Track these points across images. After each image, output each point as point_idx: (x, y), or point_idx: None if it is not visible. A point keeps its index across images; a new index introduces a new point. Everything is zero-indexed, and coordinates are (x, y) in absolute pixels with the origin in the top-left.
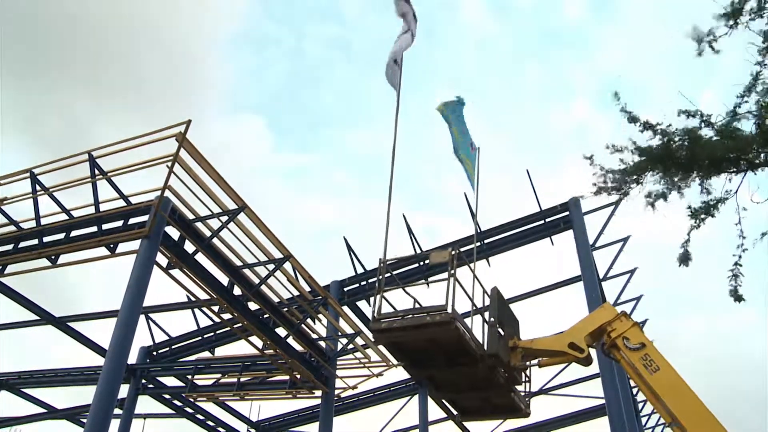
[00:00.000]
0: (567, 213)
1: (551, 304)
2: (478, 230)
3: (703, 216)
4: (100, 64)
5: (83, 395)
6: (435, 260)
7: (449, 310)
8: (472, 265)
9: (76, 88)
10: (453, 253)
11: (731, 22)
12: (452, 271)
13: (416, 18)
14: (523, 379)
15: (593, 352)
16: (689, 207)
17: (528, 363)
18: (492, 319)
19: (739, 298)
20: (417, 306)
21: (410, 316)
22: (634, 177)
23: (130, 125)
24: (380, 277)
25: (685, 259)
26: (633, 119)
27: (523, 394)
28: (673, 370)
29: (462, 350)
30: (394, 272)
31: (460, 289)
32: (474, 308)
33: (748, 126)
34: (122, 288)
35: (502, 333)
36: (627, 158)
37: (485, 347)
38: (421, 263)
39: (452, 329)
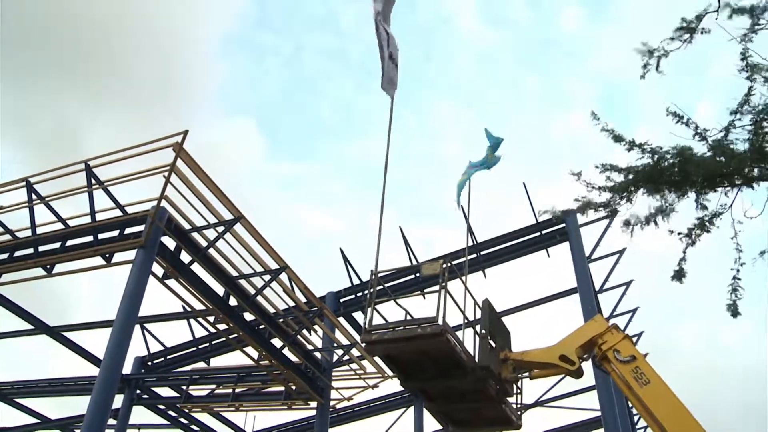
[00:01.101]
0: (563, 225)
1: (547, 316)
2: (475, 242)
3: (698, 232)
4: (92, 64)
5: (77, 405)
6: (426, 272)
7: (440, 322)
8: (464, 277)
9: (68, 88)
10: (444, 265)
11: (687, 36)
12: (443, 283)
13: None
14: (515, 391)
15: (588, 364)
16: (671, 231)
17: (519, 375)
18: (483, 331)
19: (735, 313)
20: (409, 318)
21: (401, 328)
22: (624, 194)
23: (124, 126)
24: (371, 289)
25: (679, 276)
26: (617, 138)
27: (515, 406)
28: (663, 383)
29: (453, 362)
30: (389, 284)
31: (453, 301)
32: (466, 321)
33: (741, 140)
34: (113, 296)
35: (494, 345)
36: (616, 177)
37: (476, 359)
38: (416, 275)
39: (443, 341)
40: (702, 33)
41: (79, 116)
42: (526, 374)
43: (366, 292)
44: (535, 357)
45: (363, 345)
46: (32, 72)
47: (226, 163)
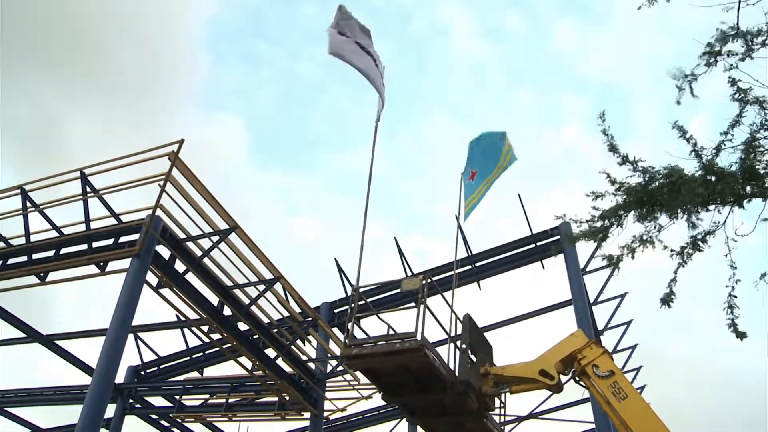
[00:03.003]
0: (558, 237)
1: (542, 327)
2: (470, 253)
3: (690, 252)
4: (75, 56)
5: (69, 414)
6: (406, 287)
7: (419, 337)
8: (447, 292)
9: (50, 80)
10: (424, 281)
11: (712, 60)
12: (422, 299)
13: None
14: (498, 405)
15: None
16: (665, 247)
17: (500, 390)
18: (464, 345)
19: (740, 334)
20: (390, 332)
21: (382, 342)
22: (614, 219)
23: (106, 119)
24: (352, 304)
25: (667, 301)
26: (613, 148)
27: (502, 417)
28: (641, 398)
29: (433, 376)
30: (379, 297)
31: (433, 316)
32: (448, 336)
33: (733, 158)
34: (94, 302)
35: (474, 359)
36: (606, 204)
37: (456, 374)
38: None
39: (421, 356)
40: (728, 56)
41: (56, 105)
42: (507, 389)
43: (361, 302)
44: (515, 372)
45: (344, 359)
46: (12, 64)
47: (213, 168)
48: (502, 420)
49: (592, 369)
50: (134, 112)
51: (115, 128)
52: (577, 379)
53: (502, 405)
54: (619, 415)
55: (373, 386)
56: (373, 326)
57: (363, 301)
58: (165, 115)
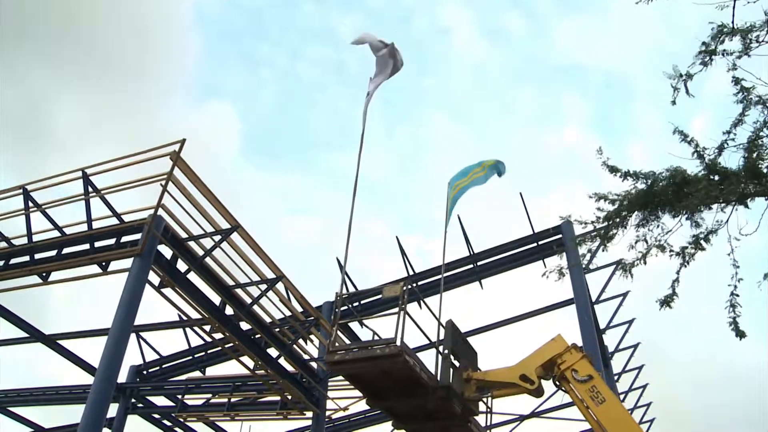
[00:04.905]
0: (560, 236)
1: (544, 326)
2: (472, 252)
3: (692, 251)
4: (64, 42)
5: (71, 414)
6: (387, 294)
7: (398, 342)
8: (433, 297)
9: (35, 62)
10: (404, 288)
11: (707, 59)
12: (403, 305)
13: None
14: (484, 410)
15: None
16: (670, 250)
17: (483, 395)
18: (446, 351)
19: (740, 334)
20: (376, 338)
21: (365, 348)
22: (617, 220)
23: (92, 102)
24: (336, 310)
25: (668, 302)
26: (613, 170)
27: (489, 421)
28: (618, 402)
29: (414, 382)
30: (370, 300)
31: (414, 322)
32: (430, 341)
33: (735, 158)
34: (94, 300)
35: (458, 365)
36: (608, 206)
37: (438, 379)
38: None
39: (401, 362)
40: (723, 55)
41: (43, 89)
42: (489, 393)
43: (363, 301)
44: (497, 376)
45: (326, 365)
46: (1, 49)
47: (212, 167)
48: (488, 423)
49: (571, 373)
50: (125, 100)
51: (106, 114)
52: (558, 383)
53: (488, 409)
54: (597, 418)
55: None
56: (371, 330)
57: (345, 307)
58: (160, 112)
